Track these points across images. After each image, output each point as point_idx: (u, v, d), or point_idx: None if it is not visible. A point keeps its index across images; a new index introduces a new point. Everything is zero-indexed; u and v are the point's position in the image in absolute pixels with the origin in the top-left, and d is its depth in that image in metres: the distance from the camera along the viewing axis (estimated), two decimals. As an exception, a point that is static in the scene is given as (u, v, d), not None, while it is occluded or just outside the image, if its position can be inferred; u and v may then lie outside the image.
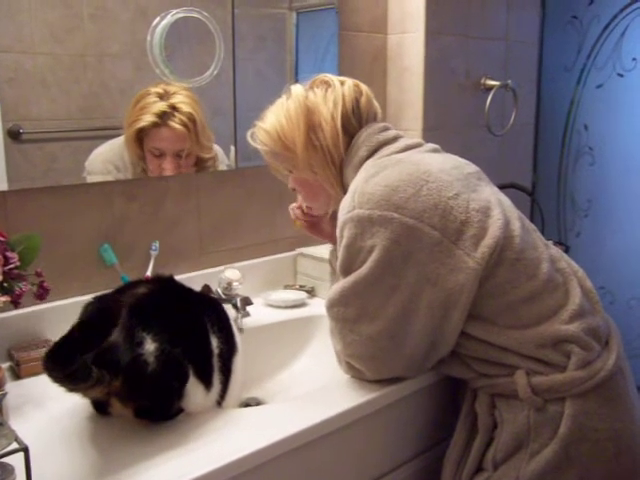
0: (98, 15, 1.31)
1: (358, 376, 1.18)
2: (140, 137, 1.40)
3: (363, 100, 1.23)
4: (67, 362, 0.88)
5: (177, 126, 1.41)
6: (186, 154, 1.44)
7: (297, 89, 1.24)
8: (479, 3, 2.00)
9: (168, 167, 1.42)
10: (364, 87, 1.26)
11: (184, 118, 1.42)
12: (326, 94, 1.22)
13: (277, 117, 1.22)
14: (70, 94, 1.30)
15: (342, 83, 1.23)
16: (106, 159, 1.39)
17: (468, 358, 1.16)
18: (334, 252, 1.36)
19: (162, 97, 1.41)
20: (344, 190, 1.20)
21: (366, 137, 1.20)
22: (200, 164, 1.51)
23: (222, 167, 1.59)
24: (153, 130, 1.40)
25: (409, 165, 1.14)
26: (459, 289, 1.08)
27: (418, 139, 1.26)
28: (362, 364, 1.15)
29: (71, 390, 0.93)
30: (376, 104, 1.27)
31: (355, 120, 1.22)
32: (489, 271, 1.09)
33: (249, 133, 1.27)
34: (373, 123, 1.24)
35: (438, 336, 1.13)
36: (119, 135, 1.40)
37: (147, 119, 1.39)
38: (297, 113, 1.20)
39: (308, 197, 1.32)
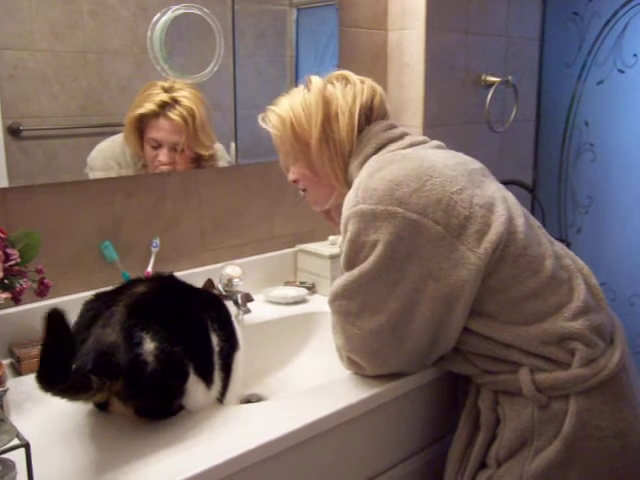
0: (98, 12, 1.31)
1: (359, 372, 1.18)
2: (140, 127, 1.41)
3: (377, 99, 1.25)
4: (60, 378, 0.85)
5: (175, 118, 1.42)
6: (182, 148, 1.45)
7: (316, 80, 1.25)
8: (480, -1, 2.00)
9: (163, 159, 1.43)
10: (379, 88, 1.28)
11: (183, 111, 1.43)
12: (345, 88, 1.23)
13: (293, 104, 1.23)
14: (70, 91, 1.30)
15: (362, 82, 1.26)
16: (108, 155, 1.39)
17: (471, 354, 1.16)
18: None
19: (167, 90, 1.43)
20: (348, 185, 1.21)
21: (373, 134, 1.21)
22: (198, 161, 1.52)
23: (223, 164, 1.59)
24: (152, 120, 1.41)
25: (413, 160, 1.14)
26: (461, 285, 1.07)
27: (423, 136, 1.27)
28: (363, 359, 1.15)
29: (73, 400, 0.93)
30: (388, 106, 1.28)
31: (365, 117, 1.23)
32: (492, 267, 1.09)
33: (261, 116, 1.28)
34: (380, 120, 1.24)
35: (440, 332, 1.13)
36: (120, 131, 1.40)
37: (147, 107, 1.41)
38: (316, 102, 1.21)
39: (311, 189, 1.31)
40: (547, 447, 1.09)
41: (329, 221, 1.38)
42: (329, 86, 1.24)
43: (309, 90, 1.24)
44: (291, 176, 1.31)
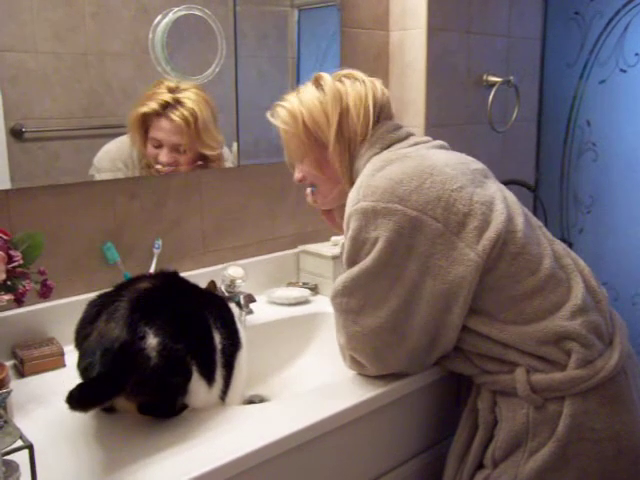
0: (100, 13, 1.31)
1: (362, 371, 1.18)
2: (144, 125, 1.41)
3: (385, 98, 1.26)
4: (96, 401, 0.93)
5: (176, 119, 1.42)
6: (184, 149, 1.44)
7: (327, 77, 1.25)
8: (481, -1, 2.00)
9: (164, 159, 1.43)
10: (386, 89, 1.28)
11: (186, 113, 1.42)
12: (354, 84, 1.24)
13: (305, 100, 1.22)
14: (72, 93, 1.30)
15: (371, 81, 1.26)
16: (115, 157, 1.39)
17: (471, 354, 1.17)
18: None
19: (172, 91, 1.43)
20: (352, 182, 1.21)
21: (381, 134, 1.21)
22: (204, 161, 1.51)
23: (226, 164, 1.59)
24: (155, 119, 1.41)
25: (414, 159, 1.15)
26: (459, 281, 1.08)
27: (427, 137, 1.28)
28: (365, 357, 1.15)
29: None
30: (392, 108, 1.29)
31: (377, 115, 1.23)
32: (491, 264, 1.09)
33: (270, 112, 1.27)
34: (386, 121, 1.25)
35: (439, 330, 1.13)
36: (124, 133, 1.40)
37: (150, 106, 1.40)
38: (333, 99, 1.20)
39: (319, 185, 1.30)
40: (541, 449, 1.09)
41: (329, 222, 1.38)
42: (338, 83, 1.23)
43: (320, 87, 1.23)
44: (297, 174, 1.31)
